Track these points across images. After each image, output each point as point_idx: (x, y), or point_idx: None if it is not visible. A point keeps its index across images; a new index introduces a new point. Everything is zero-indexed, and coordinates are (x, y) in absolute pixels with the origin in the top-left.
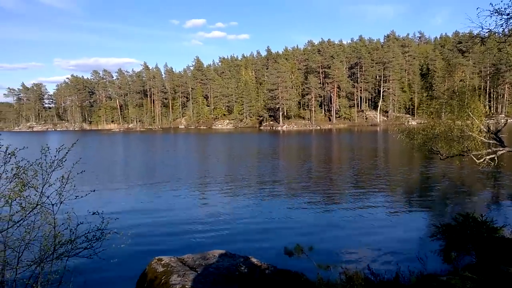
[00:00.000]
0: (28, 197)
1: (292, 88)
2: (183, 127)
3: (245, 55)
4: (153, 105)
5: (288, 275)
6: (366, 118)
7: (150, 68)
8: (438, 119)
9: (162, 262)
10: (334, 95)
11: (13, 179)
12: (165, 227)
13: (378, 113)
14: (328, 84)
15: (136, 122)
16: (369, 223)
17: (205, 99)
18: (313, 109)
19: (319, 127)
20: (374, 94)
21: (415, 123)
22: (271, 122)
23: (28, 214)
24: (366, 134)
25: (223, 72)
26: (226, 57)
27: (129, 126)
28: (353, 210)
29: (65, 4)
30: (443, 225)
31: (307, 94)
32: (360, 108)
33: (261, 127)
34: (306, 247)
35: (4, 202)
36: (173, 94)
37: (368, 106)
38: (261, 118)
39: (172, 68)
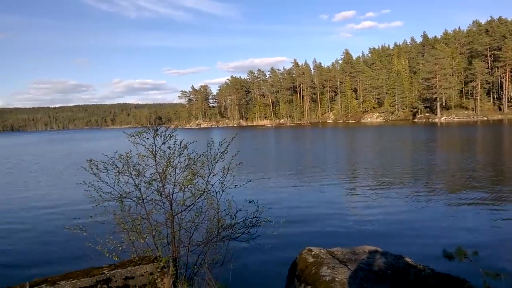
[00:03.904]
0: (197, 184)
1: (452, 75)
2: (331, 121)
3: (398, 43)
4: (302, 101)
5: (447, 279)
6: None
7: (299, 65)
8: None
9: (312, 253)
10: (506, 80)
11: (185, 169)
12: (313, 217)
13: None
14: (498, 68)
15: (287, 117)
16: None
17: (353, 92)
18: (478, 97)
19: (485, 118)
20: None
21: None
22: (427, 114)
23: (197, 199)
24: None
25: (373, 63)
26: (376, 47)
27: (280, 121)
28: None
29: (226, 12)
30: None
31: (471, 81)
32: None
33: (415, 120)
34: (469, 251)
35: (179, 188)
36: (322, 88)
37: None
38: (415, 110)
39: (320, 63)
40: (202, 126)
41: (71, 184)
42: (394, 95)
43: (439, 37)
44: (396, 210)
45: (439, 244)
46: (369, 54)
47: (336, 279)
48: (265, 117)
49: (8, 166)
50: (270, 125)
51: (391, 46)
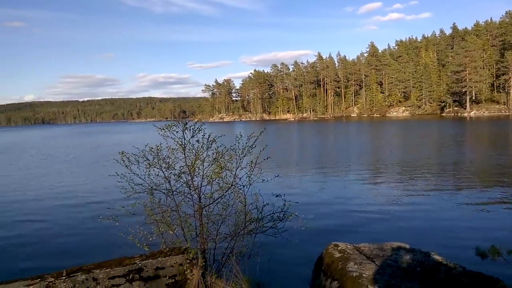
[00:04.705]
0: (225, 178)
1: (483, 68)
2: (355, 115)
3: (426, 36)
4: (326, 94)
5: (480, 278)
6: None
7: (323, 58)
8: None
9: (338, 248)
10: None
11: (213, 162)
12: (339, 213)
13: None
14: None
15: (310, 111)
16: None
17: (379, 86)
18: (510, 91)
19: None
20: None
21: None
22: (455, 108)
23: (225, 193)
24: None
25: (399, 56)
26: (403, 40)
27: (303, 115)
28: None
29: (252, 5)
30: None
31: (502, 74)
32: None
33: (443, 114)
34: (503, 249)
35: (207, 181)
36: (346, 82)
37: None
38: (442, 104)
39: (345, 56)
40: (225, 119)
41: (103, 176)
42: (421, 89)
43: (470, 28)
44: (424, 206)
45: (470, 242)
46: (396, 47)
47: (364, 274)
48: (288, 111)
49: (42, 157)
50: (293, 119)
51: (419, 39)
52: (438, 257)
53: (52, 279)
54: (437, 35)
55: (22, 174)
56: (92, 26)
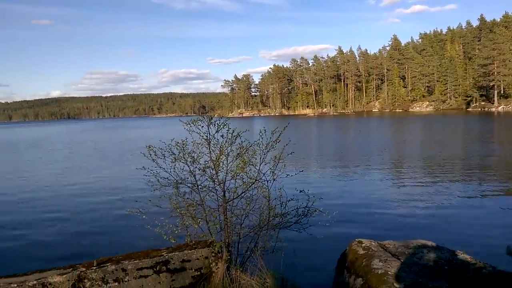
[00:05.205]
0: (249, 173)
1: None
2: (376, 110)
3: (451, 28)
4: (346, 89)
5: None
6: None
7: (344, 52)
8: None
9: (362, 245)
10: None
11: (237, 157)
12: (362, 209)
13: None
14: None
15: (330, 106)
16: None
17: (401, 80)
18: None
19: None
20: None
21: None
22: (482, 103)
23: (248, 188)
24: None
25: (423, 49)
26: (427, 32)
27: (323, 110)
28: None
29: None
30: None
31: None
32: None
33: (469, 109)
34: None
35: (231, 176)
36: (367, 76)
37: None
38: (468, 99)
39: (366, 50)
40: (244, 115)
41: (130, 169)
42: (446, 83)
43: (499, 20)
44: (450, 204)
45: (500, 241)
46: (419, 40)
47: (389, 272)
48: (307, 106)
49: (69, 151)
50: (312, 114)
51: (444, 31)
52: (467, 256)
53: (84, 269)
54: (463, 27)
55: (52, 168)
56: (115, 23)
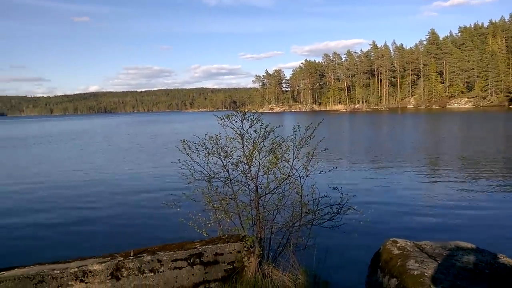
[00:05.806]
0: (281, 168)
1: None
2: (411, 106)
3: (494, 21)
4: (380, 85)
5: None
6: None
7: (378, 47)
8: None
9: (397, 245)
10: None
11: (270, 153)
12: (397, 208)
13: None
14: None
15: (362, 102)
16: None
17: (439, 76)
18: None
19: None
20: None
21: None
22: None
23: (281, 183)
24: None
25: (462, 44)
26: (467, 26)
27: (355, 106)
28: None
29: None
30: None
31: None
32: None
33: (511, 106)
34: None
35: (263, 172)
36: (402, 72)
37: None
38: (511, 95)
39: (401, 45)
40: (274, 110)
41: (164, 162)
42: (487, 79)
43: None
44: (491, 205)
45: None
46: (459, 34)
47: (426, 273)
48: (339, 102)
49: (108, 144)
50: (344, 110)
51: (486, 24)
52: (509, 260)
53: (121, 258)
54: (506, 20)
55: (92, 160)
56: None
